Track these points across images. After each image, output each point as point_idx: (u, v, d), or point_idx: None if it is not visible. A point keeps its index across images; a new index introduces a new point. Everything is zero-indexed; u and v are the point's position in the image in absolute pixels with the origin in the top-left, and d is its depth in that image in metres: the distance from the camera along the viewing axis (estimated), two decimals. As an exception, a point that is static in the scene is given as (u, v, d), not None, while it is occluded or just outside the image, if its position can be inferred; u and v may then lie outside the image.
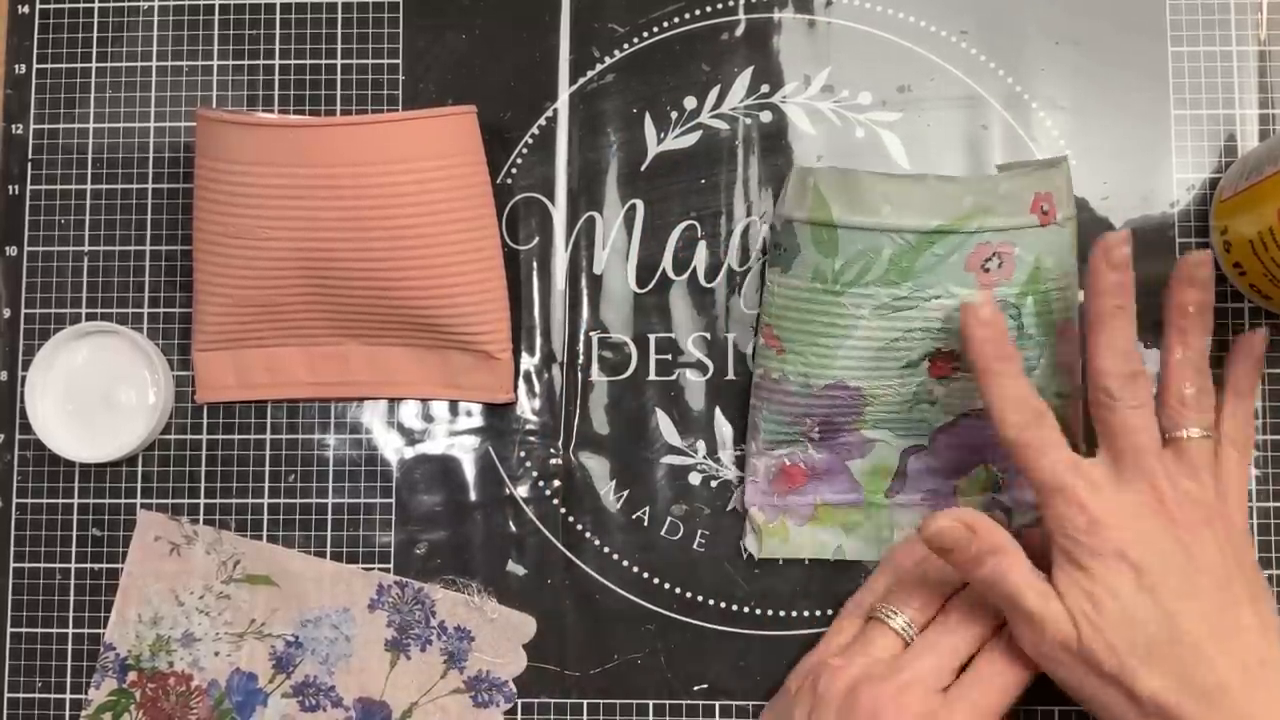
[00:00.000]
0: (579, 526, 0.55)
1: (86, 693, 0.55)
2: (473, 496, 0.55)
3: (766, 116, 0.56)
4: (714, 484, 0.55)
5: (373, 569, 0.55)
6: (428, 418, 0.56)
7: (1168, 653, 0.43)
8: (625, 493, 0.54)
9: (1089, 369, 0.47)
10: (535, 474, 0.55)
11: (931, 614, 0.48)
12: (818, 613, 0.53)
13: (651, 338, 0.55)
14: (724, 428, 0.55)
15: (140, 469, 0.56)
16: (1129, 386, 0.46)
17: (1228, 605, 0.44)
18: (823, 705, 0.46)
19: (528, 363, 0.55)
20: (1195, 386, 0.46)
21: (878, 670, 0.46)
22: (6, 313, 0.56)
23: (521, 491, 0.55)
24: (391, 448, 0.55)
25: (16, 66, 0.57)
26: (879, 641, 0.47)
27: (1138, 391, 0.46)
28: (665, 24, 0.56)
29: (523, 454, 0.55)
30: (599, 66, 0.56)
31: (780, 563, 0.54)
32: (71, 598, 0.55)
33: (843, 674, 0.46)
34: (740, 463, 0.54)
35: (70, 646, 0.55)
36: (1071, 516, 0.44)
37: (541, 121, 0.56)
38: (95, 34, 0.57)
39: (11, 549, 0.56)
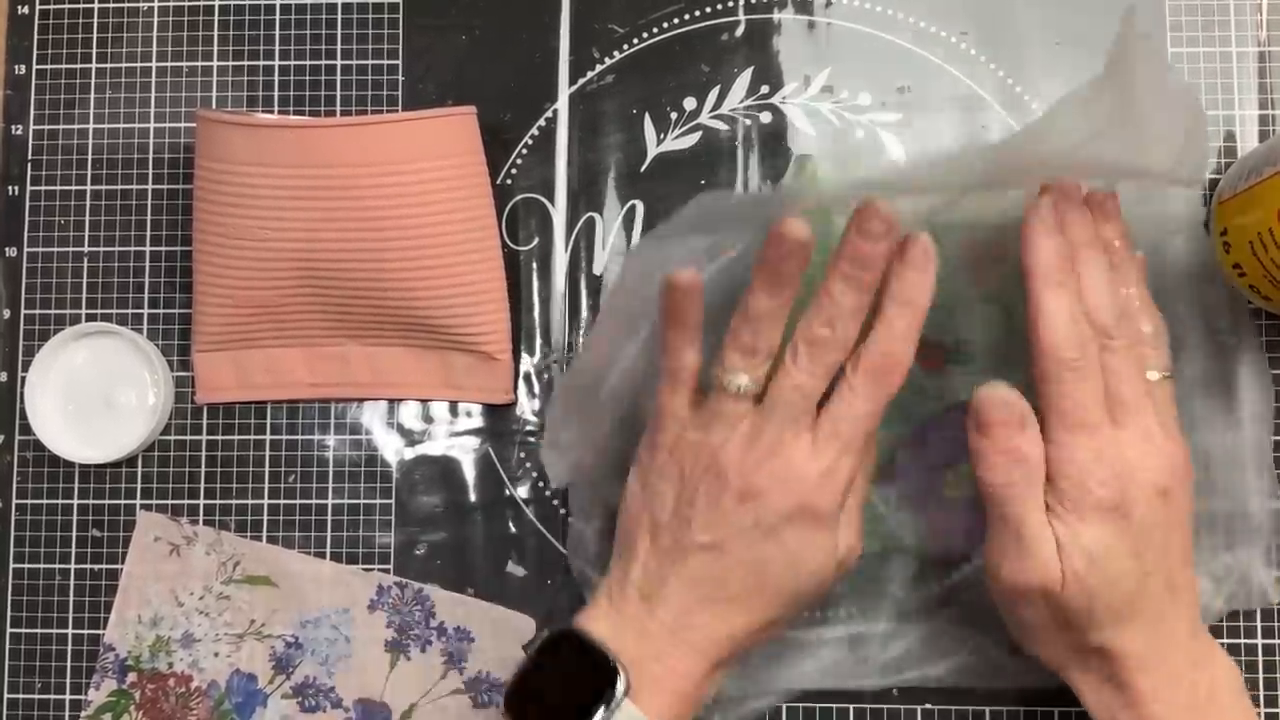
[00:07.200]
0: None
1: (86, 693, 0.55)
2: (473, 497, 0.55)
3: (766, 117, 0.56)
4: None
5: (372, 570, 0.55)
6: (428, 418, 0.56)
7: (1131, 610, 0.43)
8: (625, 493, 0.54)
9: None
10: (535, 475, 0.55)
11: (766, 361, 0.45)
12: (815, 612, 0.53)
13: (651, 338, 0.55)
14: (724, 428, 0.55)
15: (140, 469, 0.56)
16: (1120, 326, 0.45)
17: (1185, 562, 0.45)
18: (693, 485, 0.45)
19: (527, 363, 0.55)
20: (1152, 325, 0.46)
21: (740, 436, 0.44)
22: (6, 313, 0.56)
23: (522, 492, 0.55)
24: (391, 448, 0.55)
25: (16, 67, 0.57)
26: (728, 408, 0.45)
27: (1127, 331, 0.45)
28: (665, 24, 0.56)
29: (523, 455, 0.55)
30: (599, 67, 0.56)
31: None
32: (71, 598, 0.55)
33: (707, 448, 0.44)
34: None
35: (70, 647, 0.55)
36: (1089, 462, 0.43)
37: (541, 122, 0.56)
38: (95, 34, 0.57)
39: (11, 549, 0.56)
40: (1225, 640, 0.52)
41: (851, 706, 0.53)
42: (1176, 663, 0.44)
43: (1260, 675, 0.53)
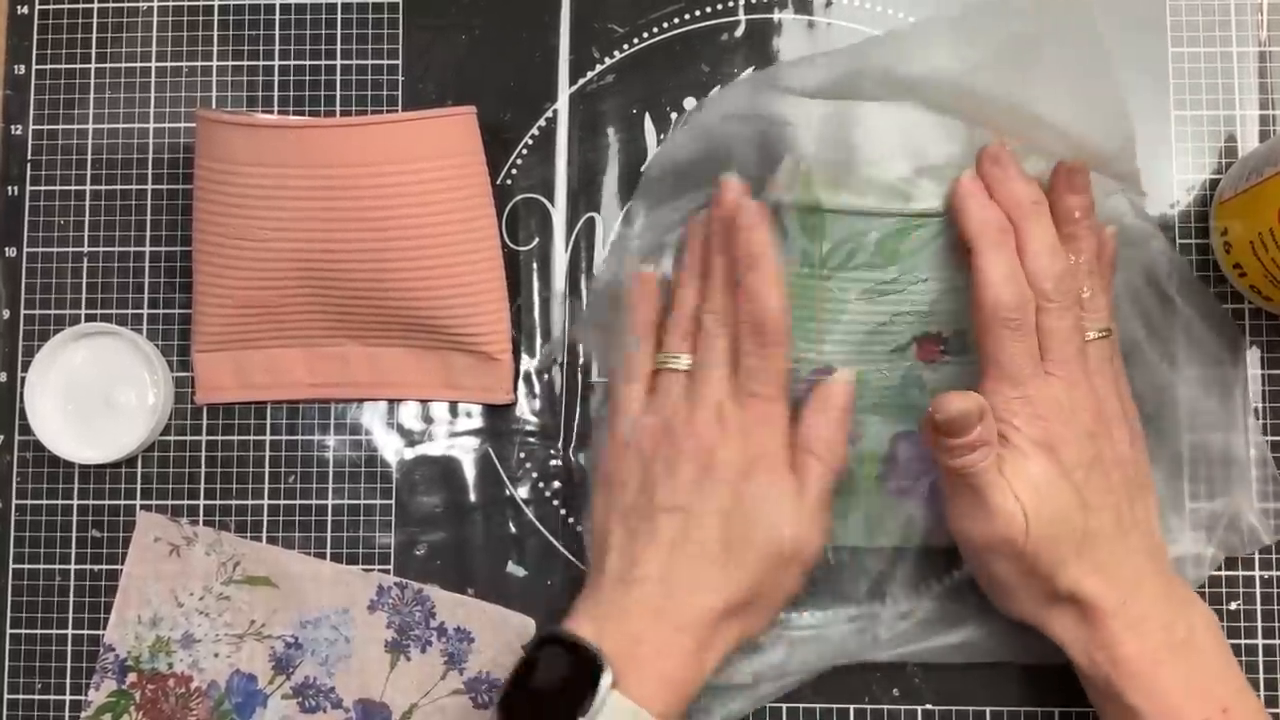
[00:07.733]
0: (579, 528, 0.55)
1: (86, 694, 0.55)
2: (473, 497, 0.55)
3: (766, 117, 0.55)
4: (714, 485, 0.54)
5: (372, 570, 0.55)
6: (427, 419, 0.56)
7: (1087, 546, 0.45)
8: (625, 493, 0.54)
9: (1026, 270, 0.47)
10: (535, 475, 0.55)
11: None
12: (816, 611, 0.53)
13: (651, 338, 0.55)
14: (724, 428, 0.55)
15: (140, 470, 0.56)
16: (1062, 285, 0.47)
17: (1132, 500, 0.47)
18: (652, 461, 0.49)
19: (527, 363, 0.55)
20: (1090, 289, 0.48)
21: (681, 401, 0.49)
22: (6, 313, 0.56)
23: (522, 492, 0.55)
24: (391, 449, 0.55)
25: (16, 67, 0.57)
26: (672, 384, 0.50)
27: (1069, 290, 0.47)
28: (665, 24, 0.56)
29: (523, 455, 0.55)
30: (599, 67, 0.56)
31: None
32: (71, 598, 0.55)
33: (658, 423, 0.49)
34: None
35: (70, 647, 0.55)
36: (1019, 405, 0.46)
37: (541, 122, 0.56)
38: (95, 34, 0.57)
39: (11, 549, 0.56)
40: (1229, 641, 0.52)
41: (852, 707, 0.53)
42: (1143, 602, 0.45)
43: (1261, 675, 0.53)
